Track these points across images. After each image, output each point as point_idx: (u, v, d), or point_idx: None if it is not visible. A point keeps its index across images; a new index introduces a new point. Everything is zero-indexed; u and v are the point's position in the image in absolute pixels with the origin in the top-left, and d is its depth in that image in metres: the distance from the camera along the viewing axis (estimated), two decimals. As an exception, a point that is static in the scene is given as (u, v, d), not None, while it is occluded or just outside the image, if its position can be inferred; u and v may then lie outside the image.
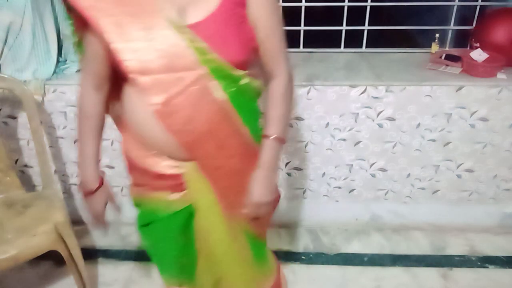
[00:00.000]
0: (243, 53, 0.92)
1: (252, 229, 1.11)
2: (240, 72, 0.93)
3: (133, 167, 1.07)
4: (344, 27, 1.96)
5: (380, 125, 1.80)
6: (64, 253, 1.51)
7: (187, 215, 1.06)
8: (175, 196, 1.04)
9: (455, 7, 1.93)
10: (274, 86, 1.00)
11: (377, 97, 1.74)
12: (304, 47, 2.04)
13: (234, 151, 0.99)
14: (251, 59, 0.95)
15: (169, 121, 0.91)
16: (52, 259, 1.78)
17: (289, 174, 1.95)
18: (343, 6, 1.92)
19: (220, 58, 0.88)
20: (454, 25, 1.98)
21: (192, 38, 0.86)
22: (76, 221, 2.04)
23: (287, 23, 1.97)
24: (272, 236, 1.98)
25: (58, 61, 1.82)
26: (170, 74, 0.88)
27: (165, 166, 1.01)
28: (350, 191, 1.98)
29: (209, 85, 0.90)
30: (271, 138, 0.99)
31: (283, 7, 1.92)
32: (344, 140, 1.85)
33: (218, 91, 0.91)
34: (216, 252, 1.11)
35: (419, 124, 1.79)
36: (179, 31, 0.86)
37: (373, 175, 1.93)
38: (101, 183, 1.08)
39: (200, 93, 0.90)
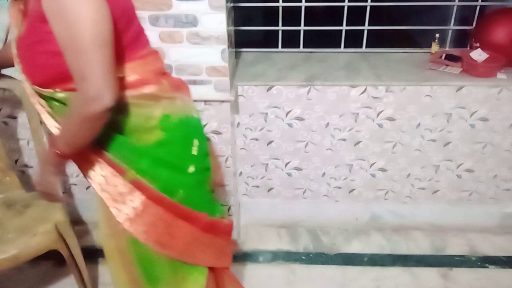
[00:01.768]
0: (43, 75, 0.91)
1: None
2: (50, 90, 0.92)
3: None
4: (344, 27, 1.95)
5: (380, 125, 1.80)
6: (64, 253, 1.51)
7: None
8: None
9: (455, 7, 1.93)
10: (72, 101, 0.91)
11: (377, 97, 1.74)
12: (304, 47, 2.04)
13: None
14: (65, 73, 0.86)
15: None
16: (53, 259, 1.79)
17: (289, 174, 1.95)
18: (343, 6, 1.92)
19: (27, 77, 0.94)
20: (454, 25, 1.98)
21: (15, 54, 0.94)
22: (76, 221, 2.04)
23: (287, 23, 2.01)
24: (272, 236, 1.99)
25: (58, 61, 1.82)
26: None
27: None
28: (350, 191, 1.98)
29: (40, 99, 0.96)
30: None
31: (283, 7, 1.92)
32: (344, 140, 1.85)
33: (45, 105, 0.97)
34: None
35: (419, 124, 1.79)
36: (14, 42, 0.94)
37: (373, 175, 1.93)
38: None
39: (38, 104, 0.98)
